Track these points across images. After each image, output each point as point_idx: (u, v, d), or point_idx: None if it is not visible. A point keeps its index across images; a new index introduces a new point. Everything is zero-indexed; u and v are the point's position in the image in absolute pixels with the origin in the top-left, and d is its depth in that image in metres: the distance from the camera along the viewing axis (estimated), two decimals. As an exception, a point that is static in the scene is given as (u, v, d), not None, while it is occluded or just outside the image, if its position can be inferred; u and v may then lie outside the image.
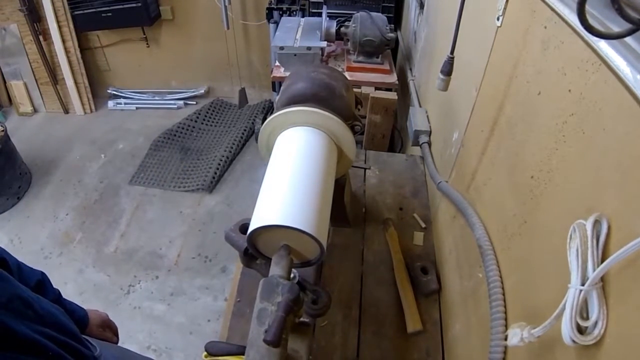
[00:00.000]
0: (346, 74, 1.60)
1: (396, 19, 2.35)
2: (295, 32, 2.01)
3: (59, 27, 2.71)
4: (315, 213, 0.62)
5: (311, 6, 2.34)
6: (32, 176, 2.51)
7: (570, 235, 0.43)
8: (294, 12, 2.41)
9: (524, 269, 0.61)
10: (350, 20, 1.91)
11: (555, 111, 0.54)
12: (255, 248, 0.67)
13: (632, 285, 0.37)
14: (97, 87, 3.16)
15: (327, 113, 0.74)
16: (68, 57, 2.82)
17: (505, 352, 0.61)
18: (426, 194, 1.27)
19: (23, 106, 3.03)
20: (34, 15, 2.65)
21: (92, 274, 2.01)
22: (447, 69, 0.90)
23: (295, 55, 1.90)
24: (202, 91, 3.19)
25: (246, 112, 3.05)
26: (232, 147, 2.68)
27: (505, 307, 0.64)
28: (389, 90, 1.79)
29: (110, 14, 2.68)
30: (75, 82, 2.93)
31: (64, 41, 2.77)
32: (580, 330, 0.40)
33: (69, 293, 1.90)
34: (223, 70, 3.11)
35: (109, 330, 0.84)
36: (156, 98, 3.19)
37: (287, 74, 1.80)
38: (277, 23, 2.31)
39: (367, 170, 1.33)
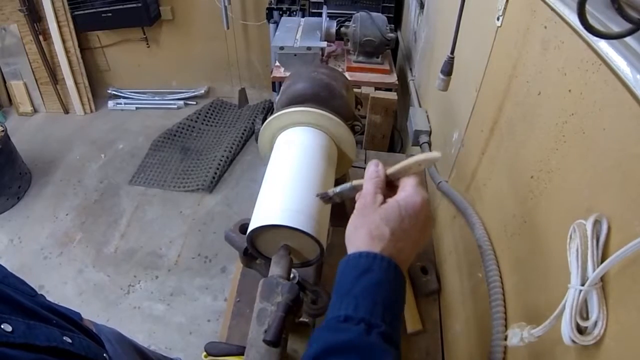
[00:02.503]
0: (346, 74, 1.59)
1: (396, 19, 2.35)
2: (295, 32, 2.01)
3: (59, 27, 2.72)
4: (315, 213, 0.62)
5: (311, 6, 2.34)
6: (32, 176, 2.51)
7: (570, 236, 0.43)
8: (294, 12, 2.41)
9: (524, 269, 0.61)
10: (350, 21, 1.91)
11: (555, 111, 0.54)
12: (255, 248, 0.67)
13: (632, 285, 0.37)
14: (97, 87, 3.16)
15: (327, 113, 0.74)
16: (68, 57, 2.83)
17: (505, 352, 0.61)
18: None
19: (23, 106, 3.03)
20: (34, 16, 2.66)
21: (92, 274, 2.01)
22: (447, 69, 0.90)
23: (295, 55, 1.90)
24: (202, 91, 3.19)
25: (246, 112, 3.05)
26: (232, 147, 2.68)
27: (505, 307, 0.64)
28: (389, 90, 1.79)
29: (110, 14, 2.68)
30: (75, 82, 2.93)
31: (64, 41, 2.77)
32: (580, 330, 0.40)
33: (68, 293, 1.91)
34: (223, 71, 3.11)
35: None
36: (156, 98, 3.20)
37: (287, 74, 1.79)
38: (277, 23, 2.31)
39: (367, 171, 1.32)
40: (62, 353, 0.44)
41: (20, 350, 0.38)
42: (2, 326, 0.38)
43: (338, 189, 0.56)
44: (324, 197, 0.58)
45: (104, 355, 0.53)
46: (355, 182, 0.54)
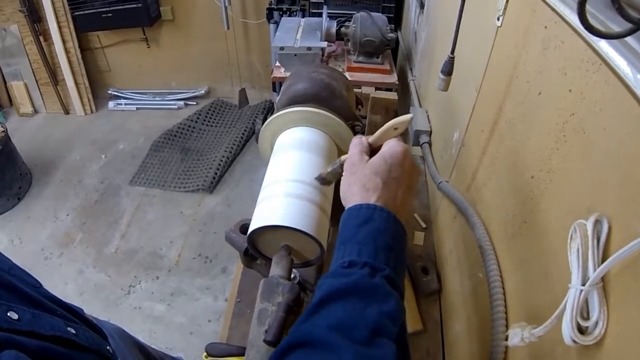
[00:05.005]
0: (346, 74, 1.59)
1: (396, 19, 2.35)
2: (296, 33, 2.01)
3: (59, 28, 2.72)
4: (315, 213, 0.62)
5: (311, 6, 2.34)
6: (32, 177, 2.51)
7: (571, 235, 0.43)
8: (294, 13, 2.41)
9: (525, 269, 0.61)
10: (350, 21, 1.91)
11: (555, 111, 0.54)
12: (255, 248, 0.67)
13: (633, 285, 0.37)
14: (97, 88, 3.16)
15: (327, 113, 0.74)
16: (68, 58, 2.83)
17: (506, 352, 0.61)
18: (426, 194, 1.27)
19: (23, 107, 3.03)
20: (34, 16, 2.66)
21: (92, 274, 2.02)
22: (448, 69, 0.90)
23: (295, 55, 1.90)
24: (203, 91, 3.19)
25: (246, 112, 3.05)
26: (232, 148, 2.68)
27: (506, 307, 0.64)
28: (390, 90, 1.79)
29: (110, 15, 2.68)
30: (76, 83, 2.93)
31: (64, 42, 2.77)
32: (581, 330, 0.40)
33: (69, 293, 1.91)
34: (223, 71, 3.12)
35: None
36: (156, 98, 3.20)
37: (288, 74, 1.79)
38: (277, 23, 2.31)
39: (367, 171, 1.32)
40: (66, 342, 0.44)
41: (26, 338, 0.39)
42: (8, 314, 0.39)
43: (329, 168, 0.61)
44: (319, 179, 0.62)
45: (107, 347, 0.53)
46: (342, 157, 0.58)
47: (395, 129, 0.54)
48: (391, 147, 0.52)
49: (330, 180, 0.62)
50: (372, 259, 0.44)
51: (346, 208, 0.51)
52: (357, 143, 0.55)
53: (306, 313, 0.43)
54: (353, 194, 0.50)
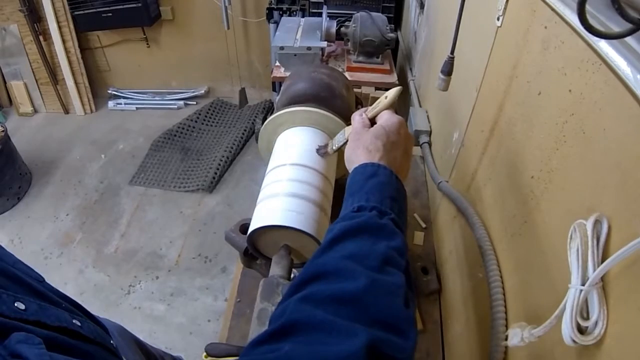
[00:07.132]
0: (346, 74, 1.59)
1: (396, 19, 2.35)
2: (296, 32, 2.01)
3: (59, 28, 2.72)
4: (315, 213, 0.62)
5: (311, 6, 2.34)
6: (32, 176, 2.51)
7: (571, 235, 0.43)
8: (294, 12, 2.41)
9: (525, 269, 0.61)
10: (350, 20, 1.91)
11: (555, 111, 0.54)
12: (255, 248, 0.67)
13: (633, 285, 0.37)
14: (97, 87, 3.16)
15: (327, 113, 0.74)
16: (68, 57, 2.83)
17: (506, 352, 0.61)
18: (426, 194, 1.27)
19: (23, 106, 3.03)
20: (34, 16, 2.66)
21: (92, 274, 2.01)
22: (448, 69, 0.90)
23: (295, 55, 1.90)
24: (202, 91, 3.19)
25: (246, 112, 3.05)
26: (232, 147, 2.68)
27: (505, 307, 0.64)
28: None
29: (110, 14, 2.68)
30: (76, 82, 2.93)
31: (64, 41, 2.77)
32: (581, 330, 0.40)
33: (69, 293, 1.86)
34: (223, 70, 3.11)
35: None
36: (156, 98, 3.20)
37: (288, 74, 1.80)
38: (277, 23, 2.31)
39: (367, 171, 1.32)
40: (71, 334, 0.45)
41: (33, 327, 0.39)
42: (15, 304, 0.39)
43: (335, 145, 0.67)
44: (319, 151, 0.70)
45: (111, 342, 0.53)
46: (347, 129, 0.65)
47: (386, 97, 0.62)
48: (387, 118, 0.59)
49: (329, 153, 0.69)
50: (379, 204, 0.48)
51: (352, 169, 0.55)
52: (359, 119, 0.62)
53: (319, 250, 0.45)
54: (358, 156, 0.55)
